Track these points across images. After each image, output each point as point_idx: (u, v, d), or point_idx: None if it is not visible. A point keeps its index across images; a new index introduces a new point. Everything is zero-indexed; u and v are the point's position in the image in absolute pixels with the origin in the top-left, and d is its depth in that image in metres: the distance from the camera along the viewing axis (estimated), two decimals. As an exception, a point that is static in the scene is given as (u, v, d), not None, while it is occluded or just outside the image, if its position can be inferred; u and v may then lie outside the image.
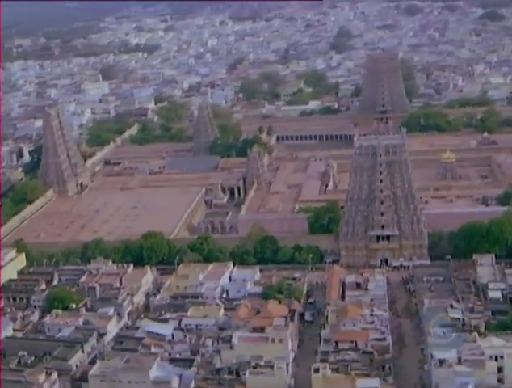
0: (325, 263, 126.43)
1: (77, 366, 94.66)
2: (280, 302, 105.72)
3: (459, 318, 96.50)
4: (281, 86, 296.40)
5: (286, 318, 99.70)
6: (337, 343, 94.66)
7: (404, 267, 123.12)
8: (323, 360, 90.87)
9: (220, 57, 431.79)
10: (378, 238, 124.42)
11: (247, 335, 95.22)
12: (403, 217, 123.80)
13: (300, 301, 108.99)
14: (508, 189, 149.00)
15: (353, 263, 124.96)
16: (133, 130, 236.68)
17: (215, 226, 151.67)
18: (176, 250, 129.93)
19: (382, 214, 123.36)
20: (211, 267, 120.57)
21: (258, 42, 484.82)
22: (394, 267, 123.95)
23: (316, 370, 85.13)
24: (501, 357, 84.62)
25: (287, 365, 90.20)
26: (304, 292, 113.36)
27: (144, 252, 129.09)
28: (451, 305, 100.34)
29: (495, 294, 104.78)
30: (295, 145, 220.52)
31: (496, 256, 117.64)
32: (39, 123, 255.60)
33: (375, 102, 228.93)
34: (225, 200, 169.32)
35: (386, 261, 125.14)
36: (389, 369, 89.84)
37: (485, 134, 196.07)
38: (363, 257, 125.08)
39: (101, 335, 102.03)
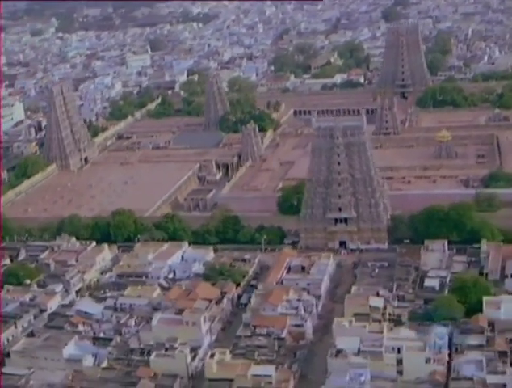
0: (285, 244, 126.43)
1: (8, 341, 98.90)
2: (214, 284, 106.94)
3: (378, 307, 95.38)
4: (314, 58, 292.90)
5: (210, 300, 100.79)
6: (255, 327, 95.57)
7: (361, 250, 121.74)
8: (235, 345, 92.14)
9: (271, 27, 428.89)
10: (336, 220, 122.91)
11: (166, 317, 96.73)
12: (361, 200, 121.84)
13: (239, 284, 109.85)
14: (493, 170, 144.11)
15: (312, 245, 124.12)
16: (155, 104, 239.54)
17: (199, 204, 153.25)
18: (142, 229, 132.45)
19: (339, 197, 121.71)
20: (165, 246, 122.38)
21: (314, 10, 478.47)
22: (352, 250, 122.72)
23: (212, 355, 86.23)
24: (401, 349, 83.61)
25: (197, 349, 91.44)
26: (250, 273, 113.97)
27: (111, 230, 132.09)
28: (377, 293, 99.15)
29: (431, 282, 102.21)
30: (309, 120, 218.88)
31: (454, 242, 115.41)
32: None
33: (395, 76, 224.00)
34: (218, 177, 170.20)
35: (344, 244, 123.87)
36: (300, 355, 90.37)
37: (497, 110, 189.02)
38: (322, 239, 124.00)
39: (42, 312, 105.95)
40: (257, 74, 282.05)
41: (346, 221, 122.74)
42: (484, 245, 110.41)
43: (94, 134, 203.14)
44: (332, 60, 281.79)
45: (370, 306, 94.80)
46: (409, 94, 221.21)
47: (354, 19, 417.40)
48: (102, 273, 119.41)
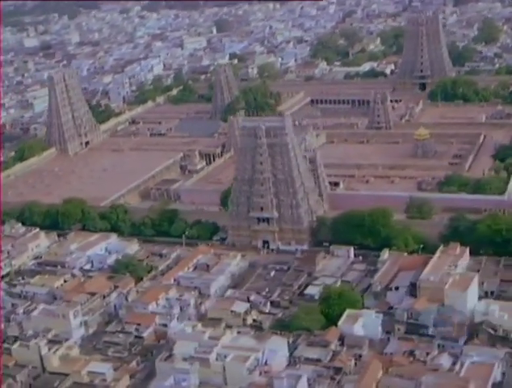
0: (213, 240, 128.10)
1: None
2: (112, 278, 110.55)
3: (239, 313, 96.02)
4: (359, 42, 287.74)
5: (94, 294, 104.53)
6: (126, 324, 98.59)
7: (280, 250, 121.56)
8: (98, 341, 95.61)
9: (342, 9, 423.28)
10: (259, 219, 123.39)
11: (47, 308, 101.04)
12: (283, 201, 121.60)
13: (142, 279, 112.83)
14: (449, 174, 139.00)
15: (238, 242, 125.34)
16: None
17: (163, 194, 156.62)
18: (89, 218, 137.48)
19: (262, 196, 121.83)
20: (94, 236, 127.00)
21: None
22: (272, 250, 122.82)
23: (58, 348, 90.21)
24: (225, 357, 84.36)
25: (62, 342, 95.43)
26: (161, 268, 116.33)
27: (59, 217, 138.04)
28: (247, 298, 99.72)
29: (312, 290, 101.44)
30: (326, 109, 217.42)
31: (370, 248, 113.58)
32: (107, 78, 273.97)
33: (414, 67, 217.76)
34: (199, 167, 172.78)
35: (268, 243, 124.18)
36: (155, 355, 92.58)
37: (499, 107, 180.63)
38: (247, 237, 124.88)
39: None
40: (295, 60, 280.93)
41: (268, 220, 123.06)
42: (385, 254, 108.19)
43: (107, 119, 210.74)
44: (372, 46, 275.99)
45: (231, 311, 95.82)
46: (428, 85, 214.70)
47: (428, 1, 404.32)
48: (33, 260, 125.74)
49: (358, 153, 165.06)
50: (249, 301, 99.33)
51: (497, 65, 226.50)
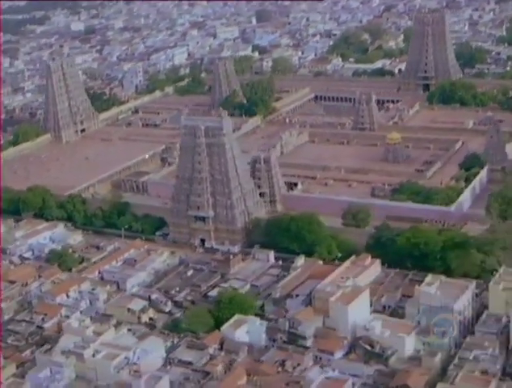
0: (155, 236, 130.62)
1: None
2: (41, 268, 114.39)
3: (135, 311, 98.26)
4: (378, 39, 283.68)
5: (14, 282, 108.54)
6: (35, 313, 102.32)
7: (215, 250, 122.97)
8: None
9: (384, 2, 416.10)
10: (196, 218, 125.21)
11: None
12: (219, 200, 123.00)
13: (70, 270, 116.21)
14: (404, 181, 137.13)
15: (178, 239, 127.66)
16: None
17: (135, 186, 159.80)
18: (48, 206, 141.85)
19: (199, 195, 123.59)
20: (42, 225, 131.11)
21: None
22: (206, 249, 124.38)
23: None
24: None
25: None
26: (93, 261, 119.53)
27: (20, 204, 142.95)
28: (148, 297, 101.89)
29: (214, 293, 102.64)
30: (328, 106, 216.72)
31: (294, 252, 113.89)
32: (127, 66, 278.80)
33: (418, 67, 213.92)
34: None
35: (204, 242, 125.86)
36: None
37: (489, 113, 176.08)
38: (186, 234, 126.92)
39: None
40: (315, 54, 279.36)
41: (204, 219, 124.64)
42: (300, 260, 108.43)
43: (111, 107, 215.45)
44: (392, 43, 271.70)
45: (128, 309, 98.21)
46: (432, 87, 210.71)
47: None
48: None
49: (333, 155, 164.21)
50: (150, 299, 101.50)
51: (508, 68, 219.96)
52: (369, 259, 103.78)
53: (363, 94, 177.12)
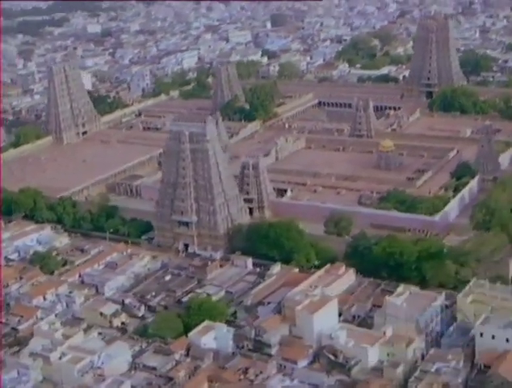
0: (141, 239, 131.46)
1: None
2: (24, 270, 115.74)
3: (106, 315, 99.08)
4: (390, 45, 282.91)
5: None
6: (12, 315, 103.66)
7: (197, 255, 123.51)
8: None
9: (401, 8, 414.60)
10: (180, 222, 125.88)
11: None
12: (202, 206, 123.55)
13: (53, 272, 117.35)
14: (391, 189, 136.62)
15: (163, 243, 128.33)
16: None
17: (128, 189, 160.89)
18: (39, 208, 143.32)
19: (183, 200, 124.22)
20: (30, 227, 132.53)
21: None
22: (188, 254, 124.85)
23: None
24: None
25: None
26: (77, 264, 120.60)
27: (12, 205, 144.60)
28: (122, 301, 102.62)
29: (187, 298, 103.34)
30: (331, 112, 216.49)
31: (273, 259, 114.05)
32: (135, 68, 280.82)
33: (421, 74, 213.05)
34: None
35: (188, 247, 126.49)
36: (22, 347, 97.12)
37: (487, 122, 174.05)
38: (170, 239, 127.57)
39: None
40: (324, 60, 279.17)
41: (187, 224, 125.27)
42: (276, 268, 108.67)
43: (115, 110, 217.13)
44: (400, 50, 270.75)
45: (100, 313, 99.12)
46: (435, 94, 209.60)
47: (489, 4, 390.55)
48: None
49: (327, 161, 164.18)
50: (123, 303, 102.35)
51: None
52: (343, 268, 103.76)
53: (360, 100, 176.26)
